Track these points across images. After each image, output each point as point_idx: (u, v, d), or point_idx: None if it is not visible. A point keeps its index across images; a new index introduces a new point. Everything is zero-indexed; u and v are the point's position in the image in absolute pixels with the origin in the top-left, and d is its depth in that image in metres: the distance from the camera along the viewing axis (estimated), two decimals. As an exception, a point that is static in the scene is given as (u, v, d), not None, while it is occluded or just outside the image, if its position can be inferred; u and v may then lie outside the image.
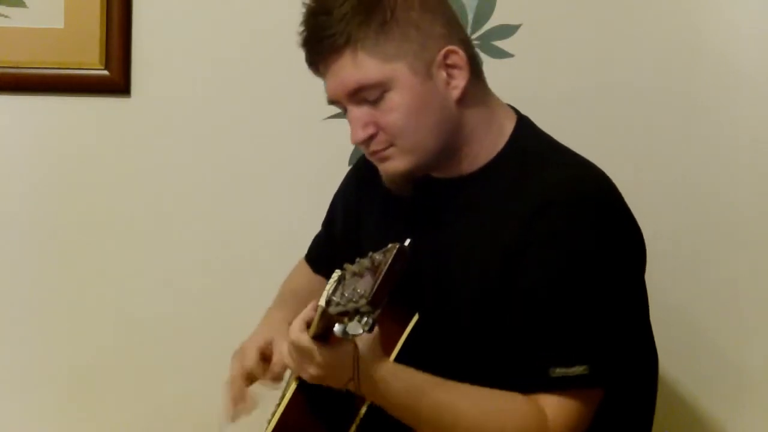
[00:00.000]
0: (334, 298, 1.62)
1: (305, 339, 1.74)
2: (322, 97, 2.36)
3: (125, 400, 2.52)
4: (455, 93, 1.88)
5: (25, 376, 2.53)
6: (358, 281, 1.59)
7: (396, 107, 1.86)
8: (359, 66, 1.85)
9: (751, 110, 2.38)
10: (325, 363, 1.74)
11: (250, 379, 1.99)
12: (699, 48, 2.37)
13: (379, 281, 1.55)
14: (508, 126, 1.94)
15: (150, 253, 2.50)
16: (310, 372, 1.76)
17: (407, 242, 1.58)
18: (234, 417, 1.99)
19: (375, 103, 1.86)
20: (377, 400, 1.80)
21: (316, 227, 2.21)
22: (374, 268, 1.58)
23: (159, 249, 2.50)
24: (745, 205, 2.38)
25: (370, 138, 1.88)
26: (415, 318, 1.88)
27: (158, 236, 2.50)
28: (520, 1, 2.39)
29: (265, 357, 1.99)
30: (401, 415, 1.80)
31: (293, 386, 1.92)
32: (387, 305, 1.81)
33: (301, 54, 1.91)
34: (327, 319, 1.65)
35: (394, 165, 1.90)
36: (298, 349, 1.76)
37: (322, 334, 1.72)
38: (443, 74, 1.88)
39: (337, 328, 1.59)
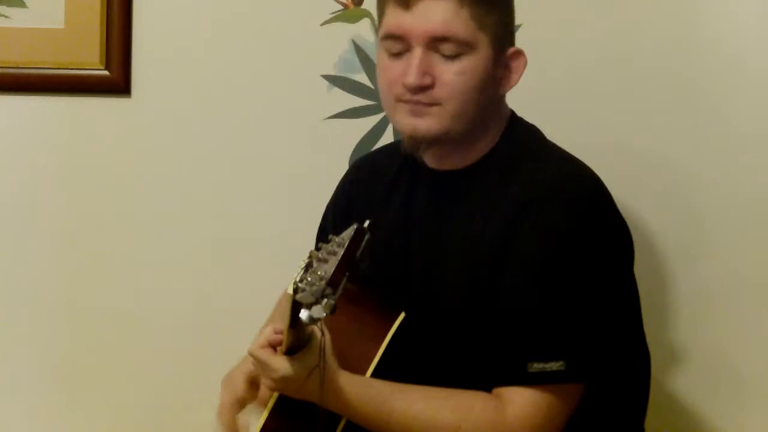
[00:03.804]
0: (301, 285, 1.63)
1: (258, 351, 1.81)
2: (323, 97, 2.38)
3: (122, 398, 2.52)
4: (504, 88, 1.95)
5: (23, 374, 2.53)
6: (322, 265, 1.62)
7: (465, 71, 1.89)
8: (459, 19, 1.88)
9: (754, 104, 2.37)
10: (281, 372, 1.79)
11: (241, 405, 2.01)
12: (700, 48, 2.37)
13: (337, 262, 1.58)
14: (503, 123, 1.98)
15: (149, 252, 2.50)
16: (269, 383, 1.83)
17: (366, 222, 1.62)
18: None
19: (447, 58, 1.89)
20: (337, 409, 1.83)
21: (316, 227, 2.21)
22: (335, 251, 1.61)
23: (159, 248, 2.50)
24: (745, 203, 2.38)
25: (423, 88, 1.89)
26: (401, 317, 1.89)
27: (158, 236, 2.50)
28: (520, 1, 2.39)
29: (255, 383, 2.01)
30: (360, 422, 1.84)
31: (270, 404, 1.94)
32: (374, 303, 1.82)
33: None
34: (296, 309, 1.66)
35: (428, 123, 1.91)
36: (256, 361, 1.83)
37: (295, 345, 1.75)
38: (503, 68, 1.93)
39: (303, 314, 1.61)
